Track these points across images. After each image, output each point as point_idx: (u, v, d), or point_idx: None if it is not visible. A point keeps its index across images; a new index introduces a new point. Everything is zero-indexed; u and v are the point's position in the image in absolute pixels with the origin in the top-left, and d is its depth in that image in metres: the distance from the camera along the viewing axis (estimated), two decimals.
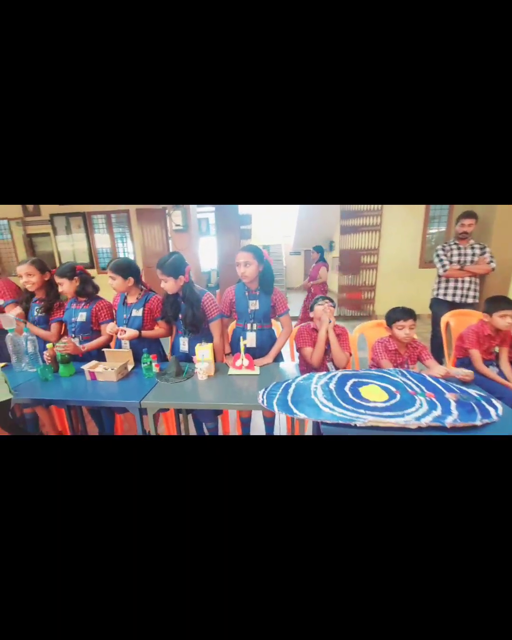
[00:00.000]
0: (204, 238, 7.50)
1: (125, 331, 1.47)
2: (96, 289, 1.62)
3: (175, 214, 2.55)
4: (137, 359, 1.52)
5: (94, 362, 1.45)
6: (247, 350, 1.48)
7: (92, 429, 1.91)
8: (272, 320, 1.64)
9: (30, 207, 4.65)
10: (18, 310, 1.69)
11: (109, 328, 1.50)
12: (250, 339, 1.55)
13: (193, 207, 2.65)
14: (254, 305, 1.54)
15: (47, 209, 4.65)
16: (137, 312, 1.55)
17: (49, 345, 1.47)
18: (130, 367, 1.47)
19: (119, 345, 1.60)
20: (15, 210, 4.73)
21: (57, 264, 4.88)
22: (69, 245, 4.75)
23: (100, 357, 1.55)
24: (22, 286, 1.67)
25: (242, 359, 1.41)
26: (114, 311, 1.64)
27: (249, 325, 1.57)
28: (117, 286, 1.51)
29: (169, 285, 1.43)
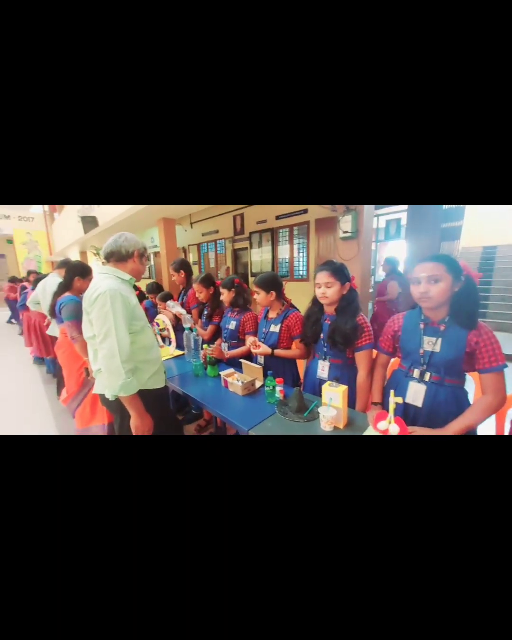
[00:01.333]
0: (393, 242, 6.66)
1: (259, 346, 1.44)
2: (246, 301, 1.70)
3: (344, 220, 2.30)
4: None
5: (230, 371, 1.51)
6: (405, 410, 1.03)
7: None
8: (468, 375, 1.02)
9: (238, 227, 5.84)
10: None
11: (248, 340, 1.52)
12: (414, 395, 1.03)
13: (368, 212, 2.30)
14: (432, 344, 0.98)
15: (248, 228, 5.69)
16: (275, 328, 1.48)
17: (204, 346, 1.69)
18: (258, 384, 1.42)
19: (255, 359, 1.60)
20: (229, 230, 6.12)
21: (250, 273, 5.89)
22: (258, 257, 5.60)
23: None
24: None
25: (390, 421, 0.97)
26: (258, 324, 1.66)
27: (416, 373, 1.03)
28: (261, 300, 1.50)
29: (333, 290, 1.20)
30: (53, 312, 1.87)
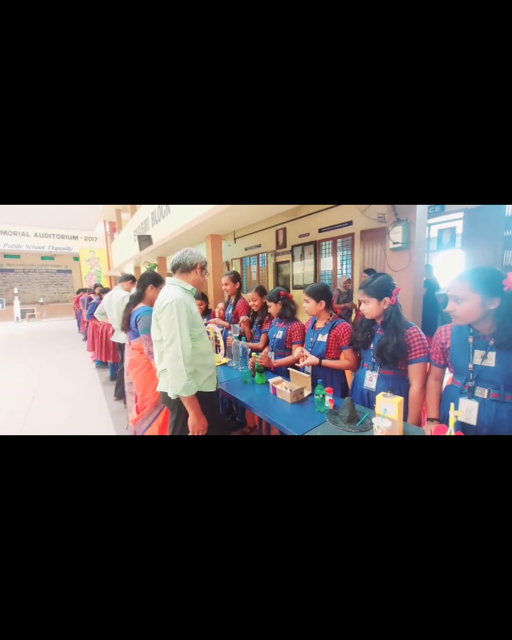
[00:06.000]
0: (446, 252, 6.24)
1: (307, 357, 1.46)
2: (293, 312, 1.75)
3: (395, 231, 2.25)
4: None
5: (278, 378, 1.55)
6: (463, 430, 0.99)
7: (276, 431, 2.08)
8: None
9: (280, 240, 5.98)
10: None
11: (296, 350, 1.56)
12: (466, 413, 0.99)
13: (420, 221, 2.23)
14: (483, 358, 0.95)
15: (291, 242, 5.79)
16: (323, 338, 1.50)
17: (253, 354, 1.75)
18: (306, 393, 1.43)
19: (303, 369, 1.61)
20: (272, 244, 6.28)
21: (291, 286, 5.94)
22: (300, 270, 5.63)
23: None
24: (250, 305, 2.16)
25: (451, 434, 0.94)
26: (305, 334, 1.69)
27: (468, 388, 1.00)
28: (310, 309, 1.53)
29: (369, 307, 1.23)
30: (127, 324, 1.77)
